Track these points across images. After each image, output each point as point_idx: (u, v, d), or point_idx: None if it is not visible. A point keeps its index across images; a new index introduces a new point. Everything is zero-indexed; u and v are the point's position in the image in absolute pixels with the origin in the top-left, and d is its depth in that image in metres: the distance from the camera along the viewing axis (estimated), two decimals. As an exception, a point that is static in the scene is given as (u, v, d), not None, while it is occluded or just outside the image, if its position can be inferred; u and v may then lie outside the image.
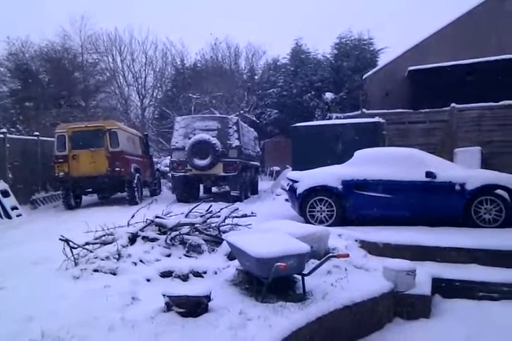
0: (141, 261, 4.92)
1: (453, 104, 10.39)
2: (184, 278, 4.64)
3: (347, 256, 4.20)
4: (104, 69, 26.69)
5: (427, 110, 10.80)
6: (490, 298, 5.08)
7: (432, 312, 4.66)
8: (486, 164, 9.47)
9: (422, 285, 4.69)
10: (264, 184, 16.56)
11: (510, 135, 9.70)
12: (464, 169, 7.41)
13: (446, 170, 7.04)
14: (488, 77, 11.10)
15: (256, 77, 28.90)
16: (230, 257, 5.01)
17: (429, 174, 6.89)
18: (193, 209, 6.33)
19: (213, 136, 11.18)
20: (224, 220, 5.91)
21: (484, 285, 5.06)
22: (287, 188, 7.88)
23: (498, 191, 6.62)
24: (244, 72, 29.21)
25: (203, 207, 6.51)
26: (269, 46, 47.67)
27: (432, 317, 4.58)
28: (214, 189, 14.65)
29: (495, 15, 13.14)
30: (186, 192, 11.80)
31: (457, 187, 6.76)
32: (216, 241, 5.61)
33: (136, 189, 11.51)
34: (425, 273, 5.01)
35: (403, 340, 4.02)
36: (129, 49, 27.54)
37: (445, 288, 5.13)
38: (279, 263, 3.63)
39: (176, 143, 11.63)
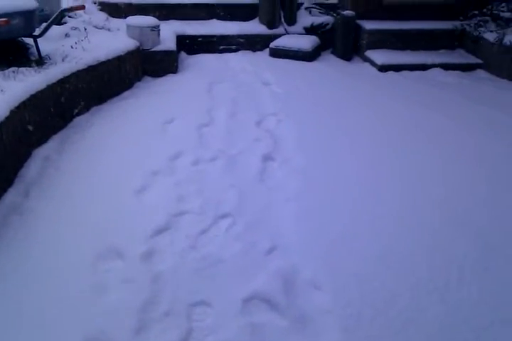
0: None
1: None
2: None
3: (83, 8, 3.76)
4: None
5: None
6: (229, 50, 5.54)
7: (178, 68, 4.86)
8: None
9: (167, 42, 4.70)
10: None
11: None
12: None
13: None
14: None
15: None
16: None
17: None
18: None
19: None
20: None
21: (224, 38, 5.42)
22: None
23: None
24: None
25: None
26: None
27: (179, 72, 4.81)
28: None
29: None
30: None
31: None
32: None
33: None
34: (169, 30, 4.99)
35: (151, 89, 4.19)
36: None
37: (189, 44, 5.31)
38: (-3, 19, 3.02)
39: None
